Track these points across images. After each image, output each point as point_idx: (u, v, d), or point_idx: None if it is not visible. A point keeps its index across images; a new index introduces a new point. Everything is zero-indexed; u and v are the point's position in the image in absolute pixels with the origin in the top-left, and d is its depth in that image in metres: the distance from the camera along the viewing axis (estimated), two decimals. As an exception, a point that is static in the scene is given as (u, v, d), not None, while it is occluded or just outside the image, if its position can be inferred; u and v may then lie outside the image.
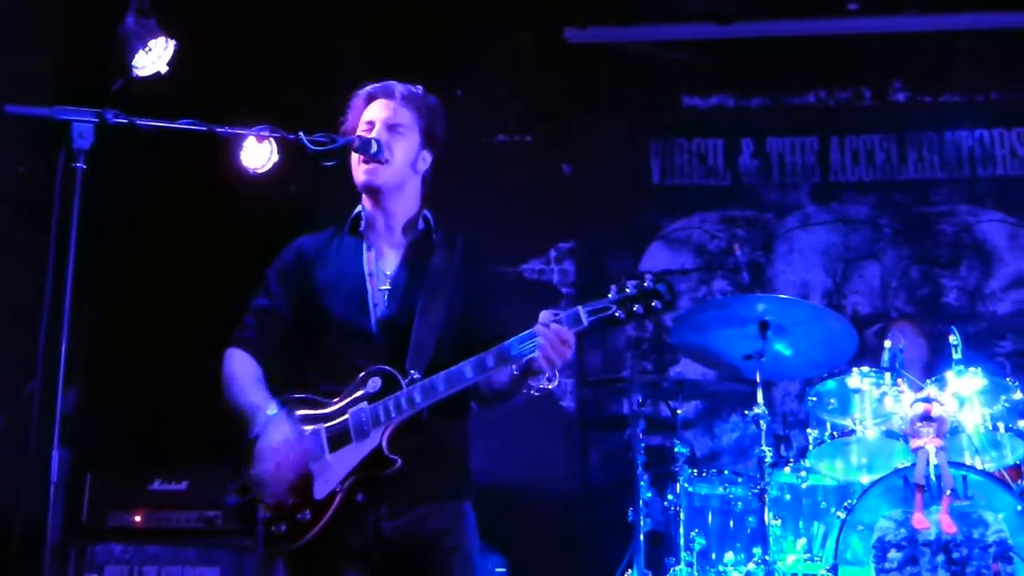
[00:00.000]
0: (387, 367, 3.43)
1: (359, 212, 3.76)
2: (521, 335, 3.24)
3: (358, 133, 3.66)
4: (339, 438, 3.42)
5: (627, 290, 3.19)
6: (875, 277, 8.26)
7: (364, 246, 3.71)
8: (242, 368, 3.69)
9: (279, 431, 3.41)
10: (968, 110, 8.46)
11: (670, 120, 8.66)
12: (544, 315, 3.22)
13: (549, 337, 3.18)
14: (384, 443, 3.35)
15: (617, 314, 3.18)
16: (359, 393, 3.43)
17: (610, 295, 3.20)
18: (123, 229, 6.56)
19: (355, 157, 3.62)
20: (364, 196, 3.73)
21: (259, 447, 3.41)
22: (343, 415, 3.43)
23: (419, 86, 3.80)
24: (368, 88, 3.77)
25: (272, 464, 3.37)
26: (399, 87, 3.74)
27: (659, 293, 3.18)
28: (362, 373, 3.46)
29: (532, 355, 3.21)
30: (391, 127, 3.66)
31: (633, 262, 8.34)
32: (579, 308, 3.21)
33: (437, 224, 3.79)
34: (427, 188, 3.80)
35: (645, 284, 3.18)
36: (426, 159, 3.75)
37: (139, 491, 6.28)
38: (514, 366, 3.30)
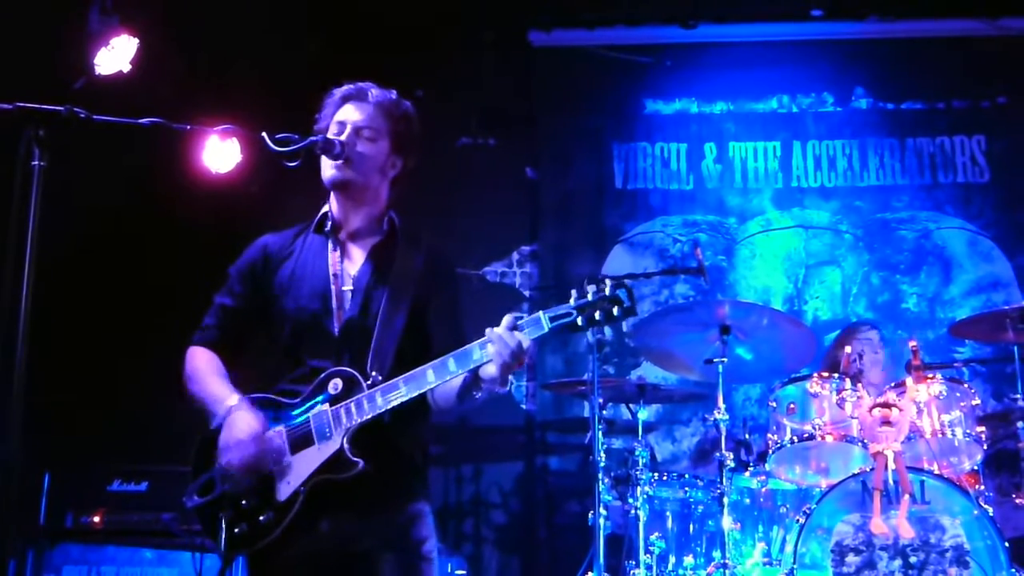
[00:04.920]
0: (348, 369, 3.43)
1: (326, 212, 3.75)
2: (482, 340, 3.23)
3: (328, 134, 3.65)
4: (301, 440, 3.42)
5: (588, 296, 3.18)
6: (836, 282, 8.32)
7: (330, 246, 3.71)
8: (203, 363, 3.70)
9: (243, 421, 3.43)
10: (929, 117, 8.54)
11: (633, 124, 8.69)
12: (506, 320, 3.22)
13: (508, 344, 3.17)
14: (346, 445, 3.34)
15: (579, 320, 3.17)
16: (321, 395, 3.42)
17: (572, 301, 3.20)
18: (85, 227, 6.51)
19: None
20: (331, 195, 3.73)
21: (223, 437, 3.44)
22: (305, 417, 3.42)
23: (393, 91, 3.79)
24: (343, 89, 3.76)
25: (237, 453, 3.40)
26: (373, 91, 3.74)
27: (619, 300, 3.18)
28: (323, 375, 3.45)
29: (490, 361, 3.21)
30: (359, 131, 3.65)
31: (595, 265, 8.36)
32: (540, 314, 3.21)
33: (405, 227, 3.78)
34: (395, 192, 3.80)
35: (606, 291, 3.18)
36: (396, 164, 3.75)
37: (98, 492, 6.24)
38: (469, 370, 3.30)
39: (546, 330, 3.20)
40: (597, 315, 3.17)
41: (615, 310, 3.17)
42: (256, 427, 3.42)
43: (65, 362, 6.61)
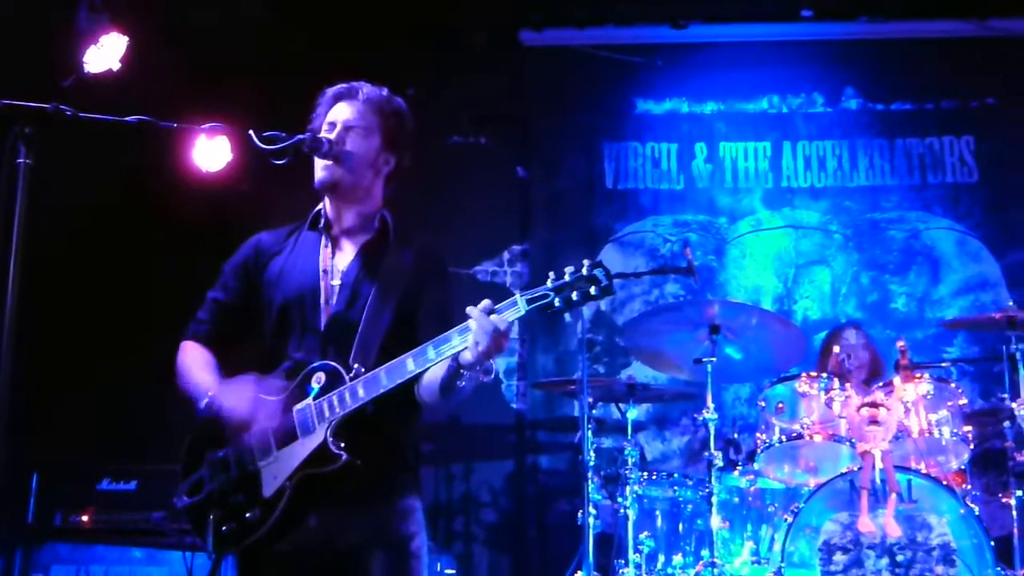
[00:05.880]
0: (331, 363, 3.43)
1: (320, 209, 3.77)
2: (461, 326, 3.21)
3: (321, 133, 3.66)
4: (285, 435, 3.41)
5: (565, 278, 3.17)
6: (825, 282, 8.34)
7: (322, 242, 3.72)
8: (195, 357, 3.71)
9: (232, 391, 3.47)
10: (919, 117, 8.56)
11: (624, 124, 8.71)
12: (483, 304, 3.20)
13: (485, 327, 3.16)
14: (329, 438, 3.34)
15: (556, 301, 3.15)
16: (304, 390, 3.43)
17: (549, 283, 3.19)
18: (75, 225, 6.51)
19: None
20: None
21: (219, 399, 3.48)
22: (289, 412, 3.43)
23: (385, 88, 3.80)
24: (335, 88, 3.78)
25: (238, 402, 3.44)
26: (365, 88, 3.75)
27: (596, 279, 3.15)
28: (307, 369, 3.46)
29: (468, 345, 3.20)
30: (349, 128, 3.66)
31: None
32: (517, 295, 3.19)
33: (398, 226, 3.79)
34: (390, 190, 3.80)
35: (583, 271, 3.16)
36: (388, 161, 3.75)
37: (87, 491, 6.23)
38: (452, 358, 3.28)
39: (523, 312, 3.17)
40: (574, 295, 3.14)
41: (592, 289, 3.14)
42: (250, 383, 3.47)
43: (54, 361, 6.61)
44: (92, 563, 6.10)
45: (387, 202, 3.81)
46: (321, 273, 3.66)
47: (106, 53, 5.85)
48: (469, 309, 3.21)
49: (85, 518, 6.14)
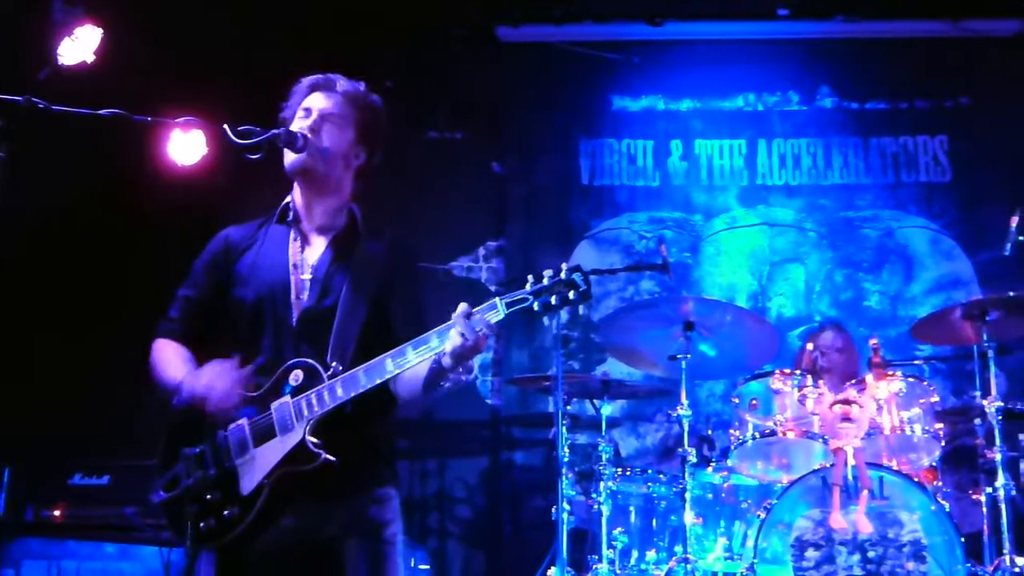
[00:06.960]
0: (309, 360, 3.42)
1: (288, 202, 3.75)
2: (440, 328, 3.23)
3: (295, 121, 3.67)
4: (263, 433, 3.41)
5: (544, 281, 3.18)
6: (799, 280, 8.37)
7: (291, 236, 3.71)
8: (169, 352, 3.70)
9: (206, 366, 3.49)
10: (893, 117, 8.61)
11: (600, 120, 8.73)
12: (462, 307, 3.21)
13: (464, 329, 3.17)
14: (307, 437, 3.33)
15: (535, 305, 3.17)
16: (282, 387, 3.42)
17: (528, 286, 3.19)
18: (49, 219, 6.47)
19: None
20: (294, 185, 3.73)
21: (189, 383, 3.48)
22: (267, 410, 3.42)
23: (361, 83, 3.80)
24: (311, 78, 3.78)
25: (209, 377, 3.45)
26: (341, 81, 3.75)
27: (575, 283, 3.17)
28: (284, 366, 3.45)
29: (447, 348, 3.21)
30: (325, 117, 3.66)
31: (562, 261, 8.31)
32: (496, 299, 3.20)
33: (367, 219, 3.78)
34: (359, 184, 3.79)
35: (562, 275, 3.17)
36: (359, 155, 3.75)
37: (59, 485, 6.20)
38: (434, 360, 3.29)
39: (502, 316, 3.19)
40: (553, 300, 3.16)
41: (571, 294, 3.16)
42: (221, 363, 3.49)
43: (25, 355, 6.57)
44: (64, 558, 6.08)
45: (357, 197, 3.80)
46: (291, 267, 3.64)
47: (80, 45, 5.80)
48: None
49: (57, 513, 6.11)
